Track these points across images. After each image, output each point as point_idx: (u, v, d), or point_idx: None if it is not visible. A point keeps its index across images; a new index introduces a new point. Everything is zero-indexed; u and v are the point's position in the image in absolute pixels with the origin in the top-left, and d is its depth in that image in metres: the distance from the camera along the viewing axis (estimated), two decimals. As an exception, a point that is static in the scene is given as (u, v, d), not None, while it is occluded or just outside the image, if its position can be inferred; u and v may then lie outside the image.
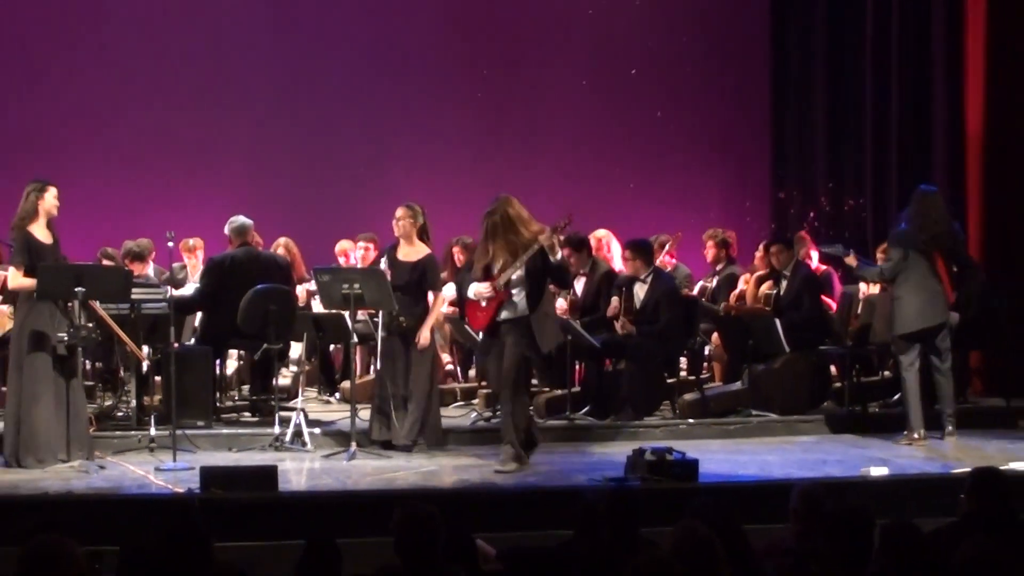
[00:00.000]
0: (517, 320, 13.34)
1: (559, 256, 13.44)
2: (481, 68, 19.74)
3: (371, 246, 16.63)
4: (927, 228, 14.95)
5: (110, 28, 19.13)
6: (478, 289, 13.34)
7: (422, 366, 14.27)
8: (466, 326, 14.15)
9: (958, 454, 13.97)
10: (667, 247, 17.22)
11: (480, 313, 13.42)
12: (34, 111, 18.70)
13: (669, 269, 16.96)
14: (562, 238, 13.69)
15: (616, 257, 16.72)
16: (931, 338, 14.91)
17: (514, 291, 13.33)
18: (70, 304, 13.56)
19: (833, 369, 16.58)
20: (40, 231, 13.66)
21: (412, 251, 14.44)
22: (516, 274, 13.25)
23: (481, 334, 13.58)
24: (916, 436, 14.66)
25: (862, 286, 16.58)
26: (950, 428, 14.89)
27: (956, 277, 15.00)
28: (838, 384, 16.49)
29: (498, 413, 14.03)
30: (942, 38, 18.52)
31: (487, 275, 13.38)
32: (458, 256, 16.62)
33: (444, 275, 15.33)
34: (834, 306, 16.82)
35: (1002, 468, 9.94)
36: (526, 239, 13.24)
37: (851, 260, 15.50)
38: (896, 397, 16.06)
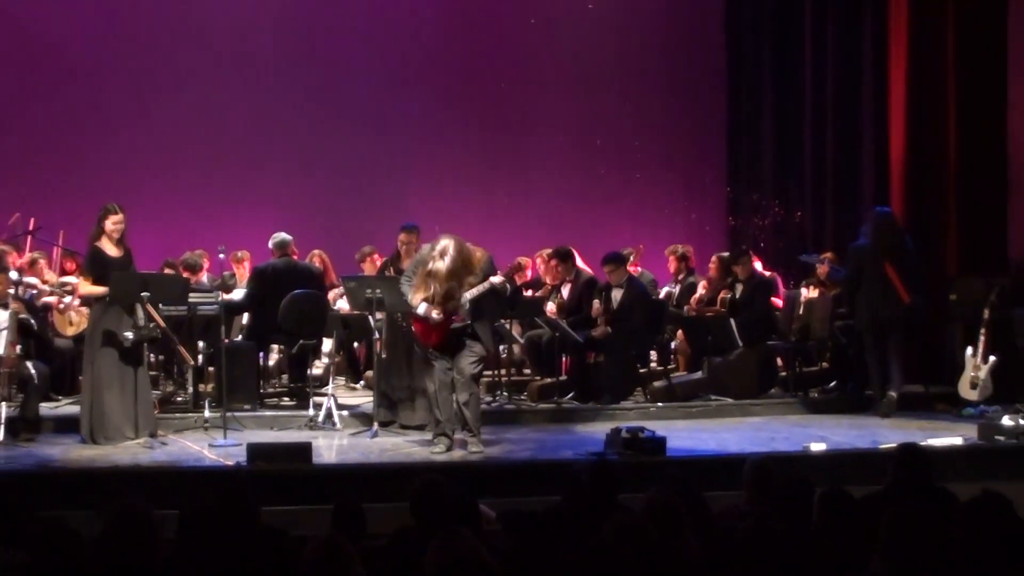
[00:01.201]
0: (467, 332, 13.41)
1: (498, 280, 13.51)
2: (484, 100, 19.55)
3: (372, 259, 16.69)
4: (879, 242, 15.14)
5: (176, 68, 18.96)
6: (430, 311, 13.19)
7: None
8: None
9: (886, 432, 14.05)
10: (632, 258, 17.24)
11: (432, 332, 13.41)
12: (112, 141, 18.59)
13: (636, 274, 17.01)
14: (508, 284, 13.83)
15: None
16: (884, 331, 15.07)
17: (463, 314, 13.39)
18: (137, 306, 13.70)
19: (779, 361, 16.62)
20: (108, 246, 13.70)
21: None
22: (465, 304, 13.27)
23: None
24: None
25: (803, 291, 16.67)
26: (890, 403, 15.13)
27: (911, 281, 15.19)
28: (783, 373, 16.56)
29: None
30: (871, 75, 18.47)
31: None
32: None
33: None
34: (780, 305, 16.86)
35: (922, 444, 10.02)
36: (473, 276, 13.27)
37: (823, 269, 15.70)
38: (832, 384, 16.23)
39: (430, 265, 13.01)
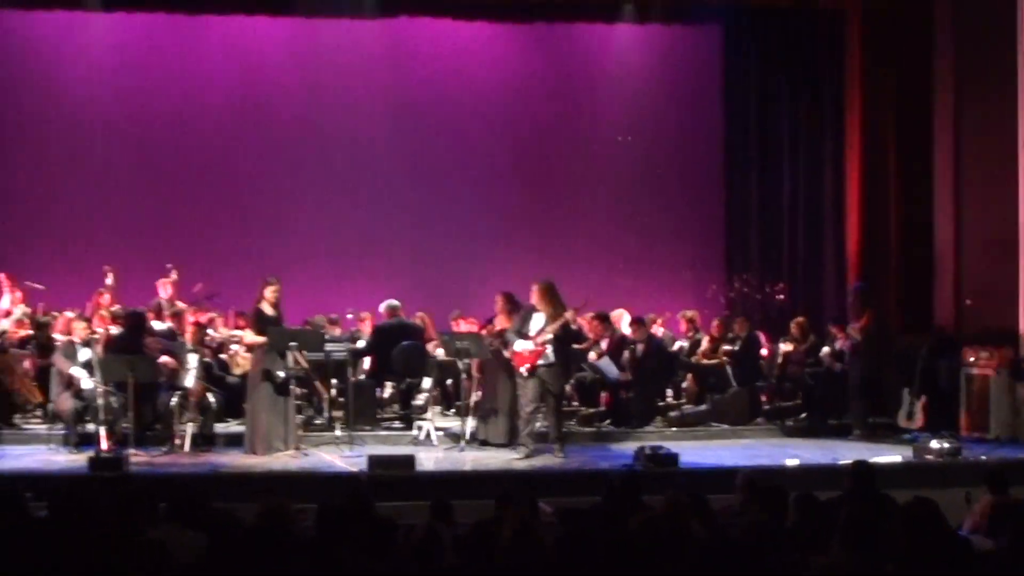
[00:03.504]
0: (550, 365, 13.46)
1: (576, 325, 13.65)
2: (538, 185, 19.23)
3: (461, 321, 16.68)
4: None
5: (301, 154, 18.72)
6: (524, 344, 13.46)
7: (511, 388, 14.33)
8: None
9: (843, 451, 13.94)
10: (657, 321, 17.23)
11: (525, 359, 13.49)
12: (255, 224, 18.53)
13: (660, 333, 17.01)
14: (580, 313, 13.90)
15: (625, 325, 16.70)
16: None
17: (548, 348, 13.44)
18: (287, 352, 13.78)
19: (763, 397, 16.54)
20: (267, 308, 13.86)
21: (499, 320, 14.56)
22: (549, 335, 13.36)
23: (524, 371, 13.58)
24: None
25: (781, 345, 16.64)
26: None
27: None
28: (767, 407, 16.47)
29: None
30: (831, 181, 18.47)
31: (525, 334, 13.52)
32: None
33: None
34: (767, 355, 16.82)
35: (870, 461, 9.96)
36: (556, 313, 13.37)
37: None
38: (803, 415, 16.14)
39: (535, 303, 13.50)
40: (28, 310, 15.61)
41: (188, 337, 14.65)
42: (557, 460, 13.37)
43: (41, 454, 13.65)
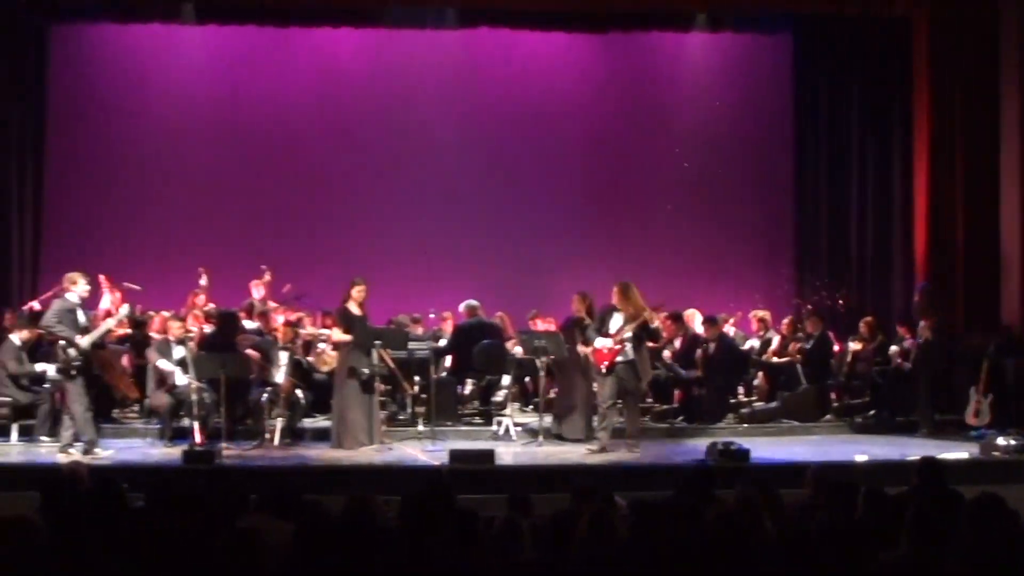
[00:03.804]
0: (629, 362, 13.41)
1: (655, 324, 13.56)
2: (617, 191, 19.22)
3: (538, 320, 16.67)
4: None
5: (382, 161, 18.80)
6: (603, 342, 13.41)
7: (586, 385, 14.32)
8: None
9: (912, 447, 13.77)
10: (730, 321, 17.15)
11: (604, 356, 13.46)
12: (352, 227, 18.64)
13: (732, 332, 16.94)
14: (657, 313, 13.83)
15: (697, 324, 16.66)
16: None
17: (627, 345, 13.39)
18: (372, 350, 13.82)
19: (833, 395, 16.41)
20: (354, 307, 13.91)
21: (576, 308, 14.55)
22: (628, 334, 13.32)
23: (603, 368, 13.55)
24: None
25: (851, 344, 16.50)
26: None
27: None
28: (836, 404, 16.34)
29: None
30: (900, 185, 18.29)
31: (605, 332, 13.48)
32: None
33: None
34: (836, 353, 16.70)
35: (938, 457, 9.85)
36: (636, 312, 13.33)
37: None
38: (871, 412, 15.99)
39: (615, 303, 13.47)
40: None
41: (279, 336, 14.76)
42: (632, 455, 13.31)
43: (138, 447, 13.83)
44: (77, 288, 13.07)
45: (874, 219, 18.67)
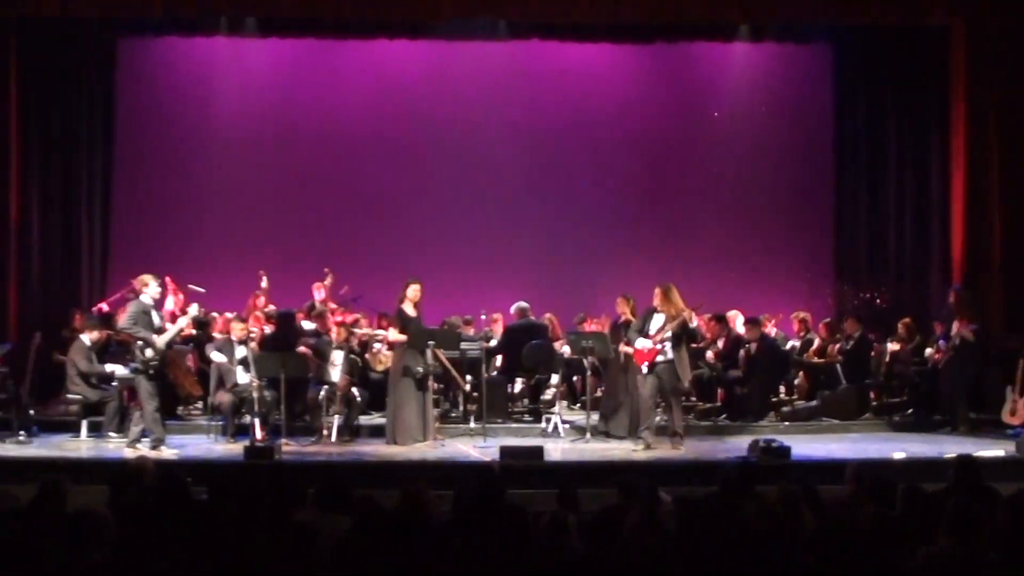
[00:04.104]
0: (668, 362, 13.36)
1: (694, 324, 13.52)
2: (662, 198, 19.11)
3: (588, 322, 16.65)
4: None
5: (440, 174, 18.80)
6: (644, 343, 13.35)
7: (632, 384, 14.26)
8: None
9: (948, 445, 13.66)
10: (771, 322, 17.07)
11: (645, 356, 13.39)
12: (401, 229, 18.59)
13: (773, 333, 16.87)
14: (696, 314, 13.76)
15: (739, 325, 16.60)
16: None
17: (667, 345, 13.34)
18: (426, 350, 13.84)
19: (872, 393, 16.31)
20: (409, 308, 13.96)
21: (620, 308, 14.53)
22: (667, 334, 13.27)
23: (644, 368, 13.49)
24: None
25: (889, 344, 16.38)
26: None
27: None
28: (875, 403, 16.24)
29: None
30: (937, 188, 18.10)
31: (646, 333, 13.42)
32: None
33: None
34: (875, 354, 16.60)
35: (974, 455, 9.78)
36: (675, 313, 13.28)
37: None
38: (909, 411, 15.87)
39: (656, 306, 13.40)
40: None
41: (334, 336, 14.82)
42: (676, 452, 13.27)
43: (202, 443, 13.93)
44: (149, 290, 13.24)
45: (912, 222, 18.51)
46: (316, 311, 16.03)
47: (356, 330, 15.85)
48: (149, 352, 12.94)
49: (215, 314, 16.17)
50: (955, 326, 15.30)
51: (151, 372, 13.00)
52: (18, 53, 16.89)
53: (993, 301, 17.16)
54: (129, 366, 13.58)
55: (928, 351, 15.98)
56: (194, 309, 14.46)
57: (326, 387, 14.15)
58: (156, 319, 13.24)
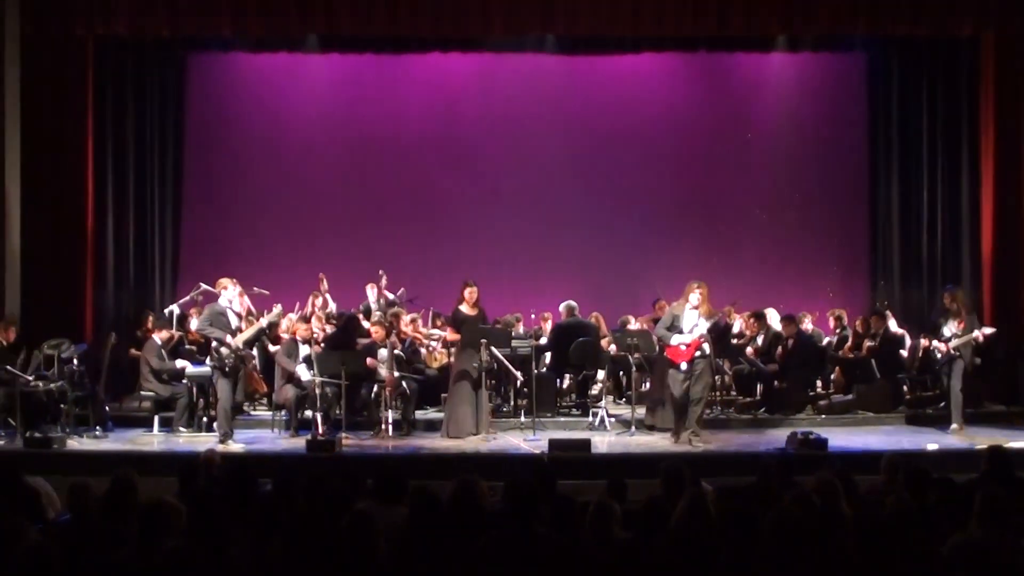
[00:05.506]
0: (706, 358, 13.28)
1: (726, 322, 13.51)
2: (706, 203, 19.07)
3: (638, 323, 16.60)
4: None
5: (486, 177, 18.89)
6: (681, 339, 13.24)
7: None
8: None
9: (979, 437, 13.58)
10: (807, 320, 16.98)
11: (681, 354, 13.30)
12: (450, 232, 18.67)
13: (810, 330, 16.79)
14: (734, 309, 13.71)
15: (776, 322, 16.53)
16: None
17: (704, 342, 13.25)
18: (481, 348, 13.85)
19: (905, 387, 16.19)
20: (465, 308, 14.00)
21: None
22: (704, 331, 13.18)
23: (683, 365, 13.35)
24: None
25: (922, 341, 16.22)
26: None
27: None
28: (908, 396, 16.11)
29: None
30: (968, 194, 17.92)
31: (678, 329, 13.29)
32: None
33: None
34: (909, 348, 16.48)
35: (1004, 446, 9.70)
36: (711, 311, 13.21)
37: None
38: (941, 404, 15.71)
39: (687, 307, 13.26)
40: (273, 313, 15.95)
41: (374, 335, 14.82)
42: (698, 447, 13.07)
43: (267, 437, 14.01)
44: (227, 293, 13.50)
45: (943, 225, 18.35)
46: (393, 311, 16.02)
47: (404, 328, 15.76)
48: (224, 351, 13.11)
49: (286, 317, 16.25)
50: (954, 326, 14.99)
51: (227, 370, 13.21)
52: (95, 68, 17.02)
53: (1022, 299, 17.01)
54: (206, 363, 13.75)
55: (936, 344, 15.60)
56: (278, 309, 14.57)
57: (377, 383, 14.23)
58: (234, 320, 13.49)
